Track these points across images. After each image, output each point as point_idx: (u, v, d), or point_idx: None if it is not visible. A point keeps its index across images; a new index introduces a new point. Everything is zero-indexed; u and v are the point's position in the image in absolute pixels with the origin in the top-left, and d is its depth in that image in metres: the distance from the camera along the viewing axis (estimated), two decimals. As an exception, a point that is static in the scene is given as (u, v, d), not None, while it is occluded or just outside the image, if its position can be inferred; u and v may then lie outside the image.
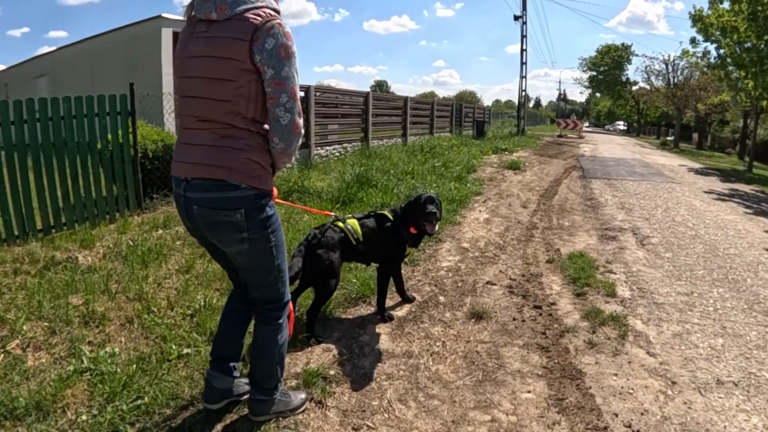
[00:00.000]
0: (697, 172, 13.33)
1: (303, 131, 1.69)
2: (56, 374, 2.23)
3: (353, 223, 2.75)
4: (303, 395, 2.09)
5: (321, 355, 2.50)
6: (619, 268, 4.04)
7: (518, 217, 5.77)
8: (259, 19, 1.53)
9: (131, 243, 4.08)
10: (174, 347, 2.47)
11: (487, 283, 3.61)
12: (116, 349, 2.49)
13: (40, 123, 4.43)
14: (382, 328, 2.82)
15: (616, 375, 2.42)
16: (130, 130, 5.19)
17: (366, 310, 3.04)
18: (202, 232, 1.72)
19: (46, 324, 2.73)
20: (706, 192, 9.06)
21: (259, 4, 1.57)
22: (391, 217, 2.82)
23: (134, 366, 2.30)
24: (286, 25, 1.59)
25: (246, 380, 2.01)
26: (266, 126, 1.66)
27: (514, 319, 3.02)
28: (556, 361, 2.54)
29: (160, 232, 4.62)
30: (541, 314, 3.09)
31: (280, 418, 1.96)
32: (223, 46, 1.53)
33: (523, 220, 5.67)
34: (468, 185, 7.50)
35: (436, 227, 2.79)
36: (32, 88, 16.72)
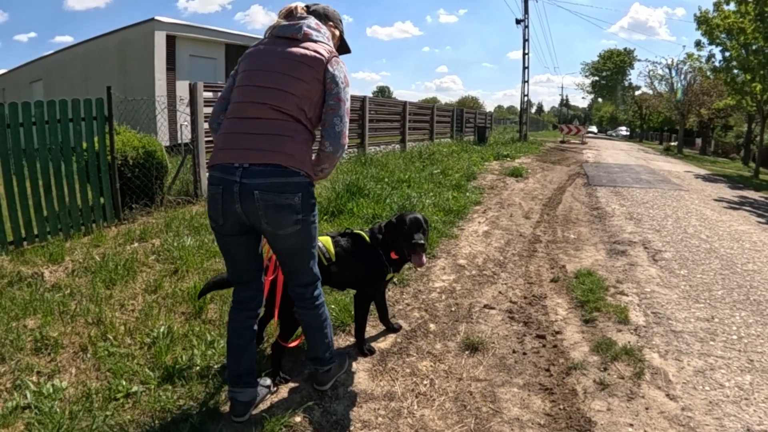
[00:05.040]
0: (704, 178, 12.95)
1: (347, 146, 1.94)
2: (-3, 410, 1.94)
3: (325, 240, 2.37)
4: None
5: (286, 398, 2.15)
6: (631, 288, 3.67)
7: (520, 229, 5.42)
8: (330, 51, 1.91)
9: (98, 259, 3.77)
10: (123, 383, 2.19)
11: (485, 306, 3.24)
12: (64, 383, 2.23)
13: (10, 129, 4.16)
14: (361, 364, 2.46)
15: (631, 426, 2.07)
16: (107, 135, 4.90)
17: (345, 340, 2.68)
18: (246, 218, 1.79)
19: (-5, 351, 2.45)
20: (715, 200, 8.69)
21: (327, 41, 1.96)
22: (368, 239, 2.44)
23: (77, 405, 2.03)
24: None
25: (264, 381, 2.15)
26: (316, 132, 1.94)
27: (514, 352, 2.66)
28: (561, 406, 2.18)
29: (135, 245, 4.31)
30: (544, 345, 2.73)
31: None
32: (306, 56, 1.84)
33: (526, 232, 5.32)
34: (467, 194, 7.15)
35: (425, 260, 2.36)
36: (28, 92, 16.55)
